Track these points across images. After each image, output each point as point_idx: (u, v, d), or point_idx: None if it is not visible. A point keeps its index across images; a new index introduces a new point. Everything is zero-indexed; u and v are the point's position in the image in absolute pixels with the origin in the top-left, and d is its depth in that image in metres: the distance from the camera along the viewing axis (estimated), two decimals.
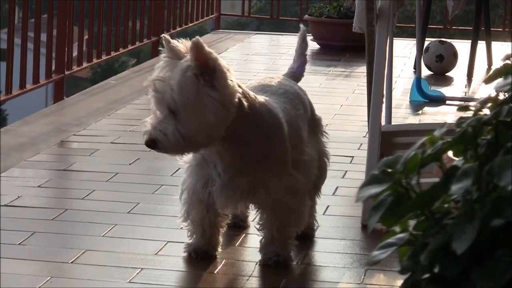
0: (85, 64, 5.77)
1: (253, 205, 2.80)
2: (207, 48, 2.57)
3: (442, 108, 5.13)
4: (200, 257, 2.75)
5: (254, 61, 6.71)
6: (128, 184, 3.61)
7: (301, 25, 3.24)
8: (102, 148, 4.09)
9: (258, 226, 2.79)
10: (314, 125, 2.97)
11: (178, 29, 7.06)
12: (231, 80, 2.60)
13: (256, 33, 7.91)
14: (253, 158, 2.67)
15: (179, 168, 3.88)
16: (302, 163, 2.84)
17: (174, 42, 2.64)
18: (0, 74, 4.83)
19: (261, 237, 2.79)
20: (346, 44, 6.68)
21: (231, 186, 2.66)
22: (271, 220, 2.71)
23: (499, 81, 1.61)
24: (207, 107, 2.54)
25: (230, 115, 2.58)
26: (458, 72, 6.06)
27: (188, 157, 2.76)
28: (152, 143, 2.55)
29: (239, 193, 2.68)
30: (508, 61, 1.69)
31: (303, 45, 3.12)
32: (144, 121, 2.61)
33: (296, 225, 2.76)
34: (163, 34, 2.74)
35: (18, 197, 3.35)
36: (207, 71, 2.53)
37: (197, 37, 2.60)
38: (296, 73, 3.06)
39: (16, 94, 4.82)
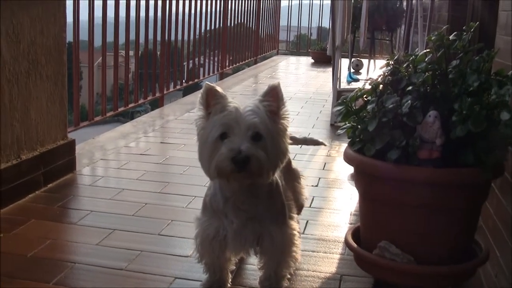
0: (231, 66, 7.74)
1: (257, 250, 1.95)
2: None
3: (359, 83, 6.02)
4: None
5: (291, 64, 8.95)
6: None
7: (324, 142, 2.57)
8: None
9: (259, 267, 2.03)
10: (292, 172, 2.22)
11: (264, 54, 9.39)
12: None
13: (291, 56, 10.35)
14: (264, 208, 1.89)
15: None
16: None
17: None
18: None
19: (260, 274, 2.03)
20: (325, 60, 8.74)
21: (243, 232, 1.88)
22: (270, 262, 1.98)
23: (384, 69, 1.88)
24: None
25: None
26: (364, 70, 7.41)
27: (198, 213, 1.96)
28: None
29: (250, 240, 1.90)
30: (388, 61, 1.86)
31: (311, 142, 2.54)
32: None
33: (290, 267, 2.02)
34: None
35: (167, 157, 3.34)
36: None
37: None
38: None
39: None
